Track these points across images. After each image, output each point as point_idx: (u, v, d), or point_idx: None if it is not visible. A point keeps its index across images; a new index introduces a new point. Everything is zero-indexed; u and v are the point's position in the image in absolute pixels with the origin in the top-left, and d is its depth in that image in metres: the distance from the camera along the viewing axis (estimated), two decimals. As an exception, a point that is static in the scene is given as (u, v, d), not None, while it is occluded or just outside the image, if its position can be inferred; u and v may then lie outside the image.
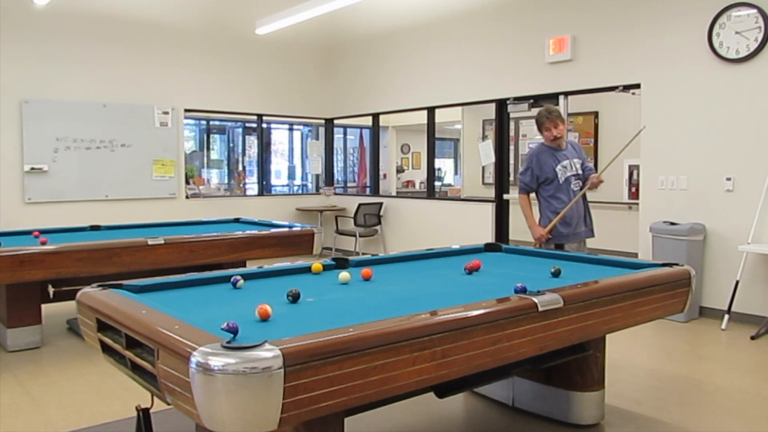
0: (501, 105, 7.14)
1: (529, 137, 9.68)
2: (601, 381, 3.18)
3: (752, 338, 4.76)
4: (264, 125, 9.53)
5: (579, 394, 3.12)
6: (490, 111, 7.58)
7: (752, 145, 5.14)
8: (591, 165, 4.56)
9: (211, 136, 11.40)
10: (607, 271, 3.16)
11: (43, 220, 6.59)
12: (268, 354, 1.64)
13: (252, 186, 10.59)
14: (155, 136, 7.88)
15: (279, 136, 12.32)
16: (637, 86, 5.86)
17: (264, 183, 9.76)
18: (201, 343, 1.71)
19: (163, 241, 4.49)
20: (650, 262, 3.43)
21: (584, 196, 4.50)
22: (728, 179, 5.25)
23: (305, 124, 11.45)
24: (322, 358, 1.73)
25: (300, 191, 11.84)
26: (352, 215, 8.52)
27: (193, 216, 7.39)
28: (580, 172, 4.46)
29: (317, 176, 10.09)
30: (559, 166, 4.43)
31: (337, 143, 11.67)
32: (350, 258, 3.38)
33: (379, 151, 9.57)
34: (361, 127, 12.52)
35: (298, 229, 5.30)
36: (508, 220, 7.26)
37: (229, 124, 11.33)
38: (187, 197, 8.23)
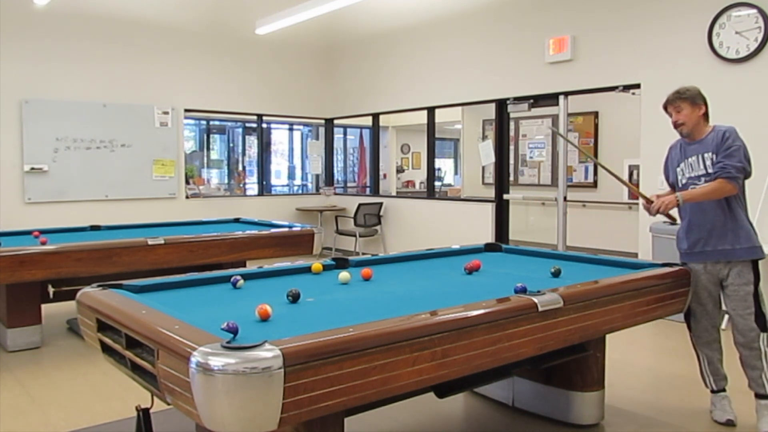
0: (501, 105, 7.14)
1: (528, 137, 9.69)
2: (601, 381, 3.17)
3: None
4: (264, 125, 9.53)
5: (579, 394, 3.12)
6: (490, 111, 7.58)
7: (752, 145, 5.09)
8: (723, 161, 3.12)
9: (211, 136, 11.40)
10: (607, 271, 3.16)
11: (43, 220, 6.58)
12: (268, 354, 1.64)
13: (252, 186, 10.59)
14: (155, 136, 7.88)
15: (279, 136, 12.32)
16: (637, 86, 5.86)
17: (264, 183, 9.76)
18: (201, 343, 1.72)
19: (163, 241, 4.49)
20: (650, 262, 3.44)
21: (729, 204, 3.17)
22: (728, 179, 5.24)
23: (305, 124, 11.45)
24: (322, 358, 1.73)
25: (300, 191, 11.84)
26: (352, 215, 8.52)
27: (193, 216, 7.39)
28: (710, 171, 3.18)
29: (317, 176, 10.09)
30: (681, 165, 3.32)
31: (337, 143, 11.67)
32: (350, 258, 3.38)
33: (379, 151, 9.57)
34: (361, 127, 12.52)
35: (298, 229, 5.30)
36: (508, 220, 7.26)
37: (229, 124, 11.33)
38: (187, 197, 8.23)
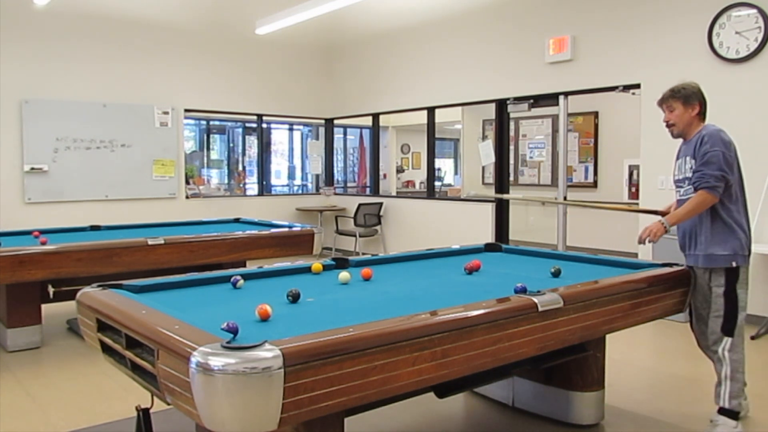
0: (501, 105, 7.14)
1: (528, 137, 9.68)
2: (601, 381, 3.17)
3: (752, 338, 4.76)
4: (264, 125, 9.53)
5: (579, 394, 3.12)
6: (490, 111, 7.58)
7: (752, 145, 5.13)
8: (702, 169, 2.97)
9: (211, 136, 11.40)
10: (607, 271, 3.16)
11: (43, 220, 6.58)
12: (268, 354, 1.64)
13: (252, 186, 10.59)
14: (155, 136, 7.88)
15: (279, 136, 12.32)
16: (637, 86, 5.86)
17: (264, 183, 9.76)
18: (201, 343, 1.72)
19: (163, 241, 4.49)
20: (650, 262, 3.44)
21: (710, 212, 3.03)
22: (728, 179, 5.24)
23: (305, 124, 11.45)
24: (322, 358, 1.73)
25: (300, 191, 11.84)
26: (352, 215, 8.52)
27: (193, 216, 7.39)
28: (688, 175, 3.09)
29: (317, 176, 10.09)
30: (675, 167, 3.28)
31: (337, 143, 11.67)
32: (350, 258, 3.38)
33: (379, 151, 9.57)
34: (361, 127, 12.52)
35: (298, 229, 5.30)
36: (508, 220, 7.25)
37: (229, 124, 11.33)
38: (187, 197, 8.23)
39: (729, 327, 2.98)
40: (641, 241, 3.10)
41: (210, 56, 8.33)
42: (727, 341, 2.99)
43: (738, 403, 3.00)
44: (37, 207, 7.06)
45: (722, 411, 3.02)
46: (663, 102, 3.17)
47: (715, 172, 2.93)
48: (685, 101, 3.10)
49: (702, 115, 3.13)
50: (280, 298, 2.47)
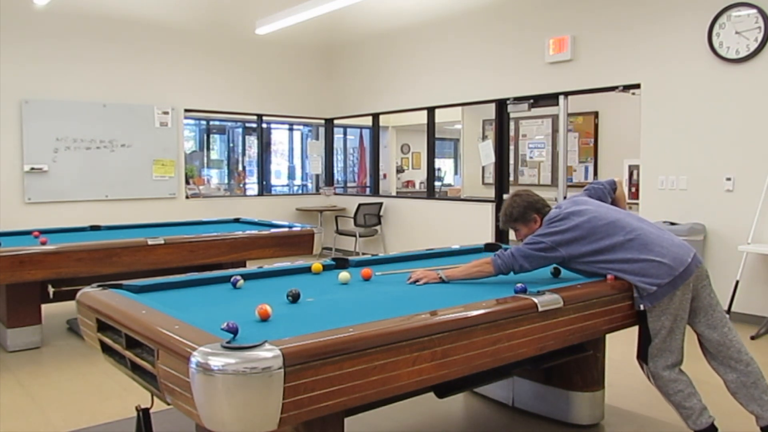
0: (501, 105, 7.14)
1: (528, 137, 9.68)
2: (601, 381, 3.18)
3: (752, 338, 4.76)
4: (264, 125, 9.53)
5: (579, 394, 3.12)
6: (490, 111, 7.58)
7: (752, 145, 5.14)
8: (518, 246, 2.91)
9: (211, 136, 11.40)
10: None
11: (43, 220, 6.59)
12: (268, 354, 1.64)
13: (252, 186, 10.59)
14: (155, 136, 7.88)
15: (279, 136, 12.32)
16: (637, 86, 5.86)
17: (264, 183, 9.76)
18: (201, 343, 1.72)
19: (163, 241, 4.49)
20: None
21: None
22: (728, 179, 5.25)
23: (305, 124, 11.45)
24: (322, 358, 1.73)
25: (300, 191, 11.84)
26: (352, 215, 8.52)
27: (193, 216, 7.39)
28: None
29: (317, 176, 10.09)
30: None
31: (337, 143, 11.67)
32: (350, 258, 3.38)
33: (379, 151, 9.57)
34: (361, 127, 12.52)
35: (298, 229, 5.30)
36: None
37: (229, 124, 11.33)
38: (187, 197, 8.23)
39: (642, 353, 2.91)
40: (413, 281, 2.90)
41: (210, 56, 8.33)
42: (646, 368, 2.89)
43: (696, 421, 2.83)
44: (37, 207, 7.06)
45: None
46: (506, 227, 3.04)
47: (510, 253, 2.82)
48: (524, 222, 2.93)
49: (543, 214, 2.92)
50: (280, 298, 2.46)
